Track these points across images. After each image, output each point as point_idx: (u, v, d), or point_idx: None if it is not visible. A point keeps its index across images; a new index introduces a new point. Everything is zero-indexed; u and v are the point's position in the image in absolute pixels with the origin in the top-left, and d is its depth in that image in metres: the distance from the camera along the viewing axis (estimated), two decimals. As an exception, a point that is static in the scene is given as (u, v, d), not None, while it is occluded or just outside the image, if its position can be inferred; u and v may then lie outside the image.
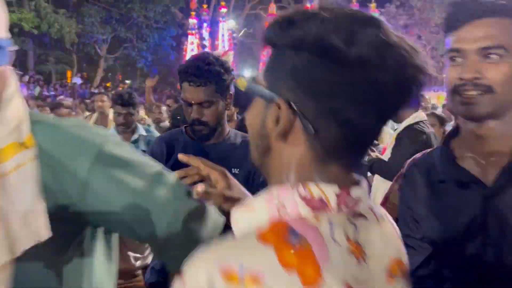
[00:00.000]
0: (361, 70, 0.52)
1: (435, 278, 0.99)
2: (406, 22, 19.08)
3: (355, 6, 15.65)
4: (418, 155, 1.10)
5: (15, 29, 15.43)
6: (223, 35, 16.13)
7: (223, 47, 15.58)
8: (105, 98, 4.73)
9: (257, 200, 0.58)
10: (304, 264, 0.50)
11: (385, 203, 1.19)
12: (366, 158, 2.87)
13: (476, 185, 0.93)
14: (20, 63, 18.20)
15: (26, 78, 15.35)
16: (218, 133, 1.60)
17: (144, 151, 3.09)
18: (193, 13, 16.48)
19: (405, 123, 2.79)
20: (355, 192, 0.57)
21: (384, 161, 2.77)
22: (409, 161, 1.11)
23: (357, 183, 0.58)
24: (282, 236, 0.51)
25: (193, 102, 1.53)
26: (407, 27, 19.40)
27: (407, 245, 0.70)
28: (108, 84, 20.61)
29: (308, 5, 14.44)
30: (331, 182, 0.55)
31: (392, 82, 0.53)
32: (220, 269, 0.49)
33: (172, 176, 0.86)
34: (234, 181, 0.89)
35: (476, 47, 0.91)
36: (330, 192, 0.55)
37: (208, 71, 1.50)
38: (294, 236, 0.51)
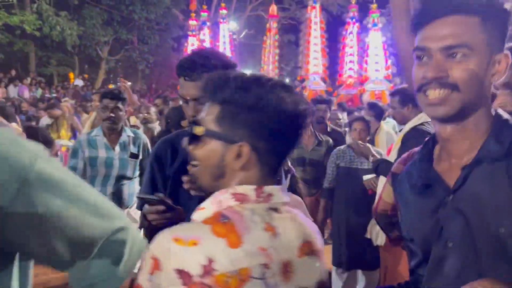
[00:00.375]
0: (288, 121, 0.88)
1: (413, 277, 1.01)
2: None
3: (354, 7, 15.48)
4: (405, 155, 1.10)
5: (17, 32, 15.47)
6: (223, 36, 16.14)
7: (224, 48, 15.58)
8: None
9: (206, 202, 0.89)
10: (229, 233, 0.80)
11: (379, 201, 1.20)
12: (371, 159, 2.87)
13: (441, 188, 0.94)
14: (22, 66, 18.26)
15: (28, 80, 15.41)
16: None
17: (135, 153, 3.06)
18: (193, 14, 16.49)
19: (410, 124, 2.76)
20: (266, 189, 0.88)
21: (390, 162, 2.77)
22: (397, 161, 1.11)
23: (276, 183, 0.91)
24: (216, 219, 0.83)
25: (188, 98, 1.47)
26: (408, 27, 19.36)
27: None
28: (110, 86, 20.65)
29: (310, 5, 14.45)
30: (253, 184, 0.88)
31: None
32: (172, 238, 0.79)
33: (97, 196, 0.85)
34: None
35: (441, 46, 0.89)
36: (249, 189, 0.87)
37: (203, 66, 1.43)
38: (223, 218, 0.83)
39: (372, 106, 4.99)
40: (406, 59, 1.46)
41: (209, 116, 0.89)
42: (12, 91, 13.94)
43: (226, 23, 16.39)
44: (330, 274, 3.30)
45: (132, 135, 3.13)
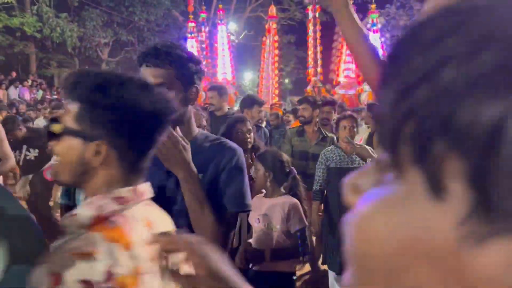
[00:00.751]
0: (145, 120, 0.91)
1: None
2: (406, 22, 19.11)
3: (352, 7, 15.44)
4: None
5: (18, 33, 15.52)
6: (222, 37, 16.17)
7: (222, 49, 15.60)
8: None
9: (80, 209, 0.89)
10: (120, 238, 0.84)
11: None
12: (368, 162, 2.89)
13: None
14: (22, 67, 18.31)
15: (29, 82, 15.45)
16: (184, 133, 1.36)
17: None
18: (191, 16, 16.53)
19: None
20: (140, 188, 0.94)
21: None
22: None
23: (143, 181, 0.96)
24: (103, 225, 0.86)
25: None
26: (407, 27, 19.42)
27: None
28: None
29: (309, 7, 14.50)
30: (128, 185, 0.91)
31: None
32: (69, 252, 0.81)
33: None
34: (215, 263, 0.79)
35: None
36: (127, 190, 0.91)
37: (167, 53, 1.36)
38: (111, 223, 0.86)
39: (372, 107, 5.01)
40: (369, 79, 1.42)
41: (68, 113, 0.91)
42: (13, 92, 13.99)
43: (224, 24, 16.41)
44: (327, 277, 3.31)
45: None
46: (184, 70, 1.39)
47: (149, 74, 1.35)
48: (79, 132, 0.90)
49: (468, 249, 0.23)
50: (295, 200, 2.52)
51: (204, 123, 2.67)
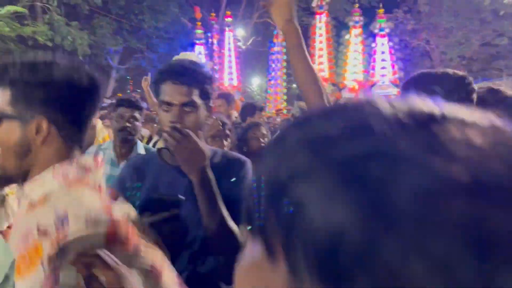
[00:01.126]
0: (78, 93, 0.98)
1: None
2: (414, 27, 19.08)
3: (356, 11, 15.48)
4: None
5: (30, 42, 15.79)
6: (228, 44, 16.28)
7: (229, 55, 15.70)
8: None
9: (44, 176, 0.93)
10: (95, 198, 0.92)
11: None
12: None
13: None
14: (34, 75, 18.53)
15: (40, 89, 15.66)
16: None
17: None
18: (199, 23, 16.66)
19: None
20: (83, 159, 0.99)
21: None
22: None
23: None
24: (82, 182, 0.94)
25: (175, 103, 1.37)
26: (415, 32, 19.40)
27: None
28: (119, 94, 20.92)
29: (317, 10, 14.56)
30: (71, 158, 0.96)
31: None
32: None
33: None
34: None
35: None
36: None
37: (194, 71, 1.39)
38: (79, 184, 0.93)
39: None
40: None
41: (2, 100, 0.93)
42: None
43: (231, 31, 16.52)
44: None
45: (143, 152, 2.74)
46: (206, 90, 1.42)
47: (175, 91, 1.37)
48: (16, 115, 0.92)
49: None
50: None
51: (227, 131, 2.56)
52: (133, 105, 2.73)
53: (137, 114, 2.73)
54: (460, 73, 1.50)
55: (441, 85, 1.42)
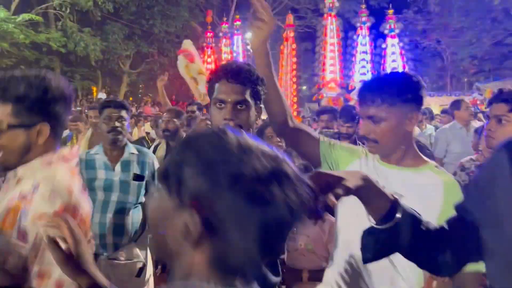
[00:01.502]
0: (64, 101, 1.30)
1: None
2: (424, 27, 18.99)
3: (364, 12, 15.41)
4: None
5: (44, 49, 16.08)
6: (237, 47, 16.37)
7: (237, 58, 15.80)
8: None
9: (34, 163, 1.24)
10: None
11: None
12: None
13: None
14: (48, 81, 18.82)
15: (54, 95, 15.90)
16: None
17: (139, 175, 2.64)
18: (209, 27, 16.78)
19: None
20: (64, 149, 1.34)
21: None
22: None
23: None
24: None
25: (229, 100, 1.43)
26: (425, 32, 19.30)
27: None
28: (130, 98, 21.15)
29: (326, 12, 14.58)
30: (52, 147, 1.30)
31: None
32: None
33: None
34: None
35: None
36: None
37: (248, 72, 1.45)
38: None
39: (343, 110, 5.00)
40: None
41: (5, 113, 1.18)
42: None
43: (240, 35, 16.60)
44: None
45: (136, 152, 2.72)
46: (258, 90, 1.48)
47: (230, 89, 1.43)
48: (20, 124, 1.20)
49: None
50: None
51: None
52: (120, 106, 2.72)
53: (124, 114, 2.71)
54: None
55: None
